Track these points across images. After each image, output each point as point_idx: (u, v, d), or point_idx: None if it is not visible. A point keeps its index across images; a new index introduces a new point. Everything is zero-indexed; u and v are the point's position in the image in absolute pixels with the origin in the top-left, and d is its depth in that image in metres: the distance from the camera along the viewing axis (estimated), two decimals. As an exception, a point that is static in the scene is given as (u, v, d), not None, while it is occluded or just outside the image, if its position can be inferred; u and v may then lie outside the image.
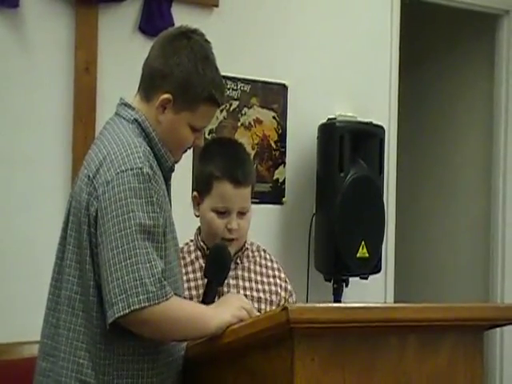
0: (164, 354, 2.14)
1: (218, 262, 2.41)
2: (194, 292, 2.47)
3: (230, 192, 2.44)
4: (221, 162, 2.47)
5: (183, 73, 2.15)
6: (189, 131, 2.20)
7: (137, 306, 1.93)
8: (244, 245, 2.57)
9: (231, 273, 2.48)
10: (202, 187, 2.51)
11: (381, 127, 4.23)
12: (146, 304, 1.94)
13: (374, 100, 4.49)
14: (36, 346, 2.23)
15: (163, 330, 2.03)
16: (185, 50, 2.17)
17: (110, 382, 2.07)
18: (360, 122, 4.21)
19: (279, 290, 2.58)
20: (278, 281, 2.60)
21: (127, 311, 1.94)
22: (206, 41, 2.24)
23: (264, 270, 2.60)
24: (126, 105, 2.22)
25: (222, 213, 2.46)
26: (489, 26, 5.17)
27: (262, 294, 2.53)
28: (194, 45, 2.18)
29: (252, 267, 2.58)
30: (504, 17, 5.07)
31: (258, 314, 2.19)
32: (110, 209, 2.01)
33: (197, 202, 2.53)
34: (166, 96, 2.15)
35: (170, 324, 2.02)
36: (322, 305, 2.04)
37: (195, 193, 2.54)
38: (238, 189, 2.45)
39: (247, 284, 2.53)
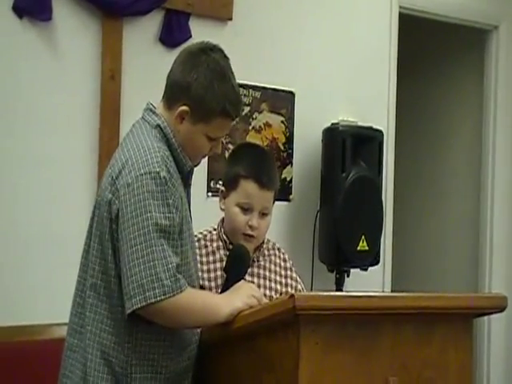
0: (178, 340, 2.14)
1: (238, 262, 2.39)
2: (213, 283, 2.45)
3: (254, 191, 2.43)
4: (249, 164, 2.46)
5: (199, 88, 2.13)
6: (205, 140, 2.19)
7: (153, 300, 1.94)
8: (262, 243, 2.56)
9: (248, 270, 2.46)
10: (229, 183, 2.49)
11: (380, 131, 4.22)
12: (162, 297, 1.95)
13: (374, 106, 4.49)
14: (65, 328, 2.23)
15: (178, 320, 2.03)
16: (202, 66, 2.15)
17: (129, 362, 2.08)
18: (361, 127, 4.19)
19: (289, 290, 2.56)
20: (289, 281, 2.58)
21: (144, 304, 1.95)
22: (225, 57, 2.21)
23: (278, 269, 2.58)
24: (151, 110, 2.21)
25: (245, 209, 2.44)
26: (479, 39, 5.18)
27: (273, 293, 2.52)
28: (211, 62, 2.16)
29: (268, 265, 2.56)
30: (493, 32, 5.09)
31: (267, 301, 2.18)
32: (129, 209, 2.01)
33: (223, 196, 2.52)
34: (183, 108, 2.15)
35: (185, 314, 2.02)
36: (325, 293, 2.03)
37: (223, 188, 2.53)
38: (262, 190, 2.44)
39: (262, 282, 2.51)
